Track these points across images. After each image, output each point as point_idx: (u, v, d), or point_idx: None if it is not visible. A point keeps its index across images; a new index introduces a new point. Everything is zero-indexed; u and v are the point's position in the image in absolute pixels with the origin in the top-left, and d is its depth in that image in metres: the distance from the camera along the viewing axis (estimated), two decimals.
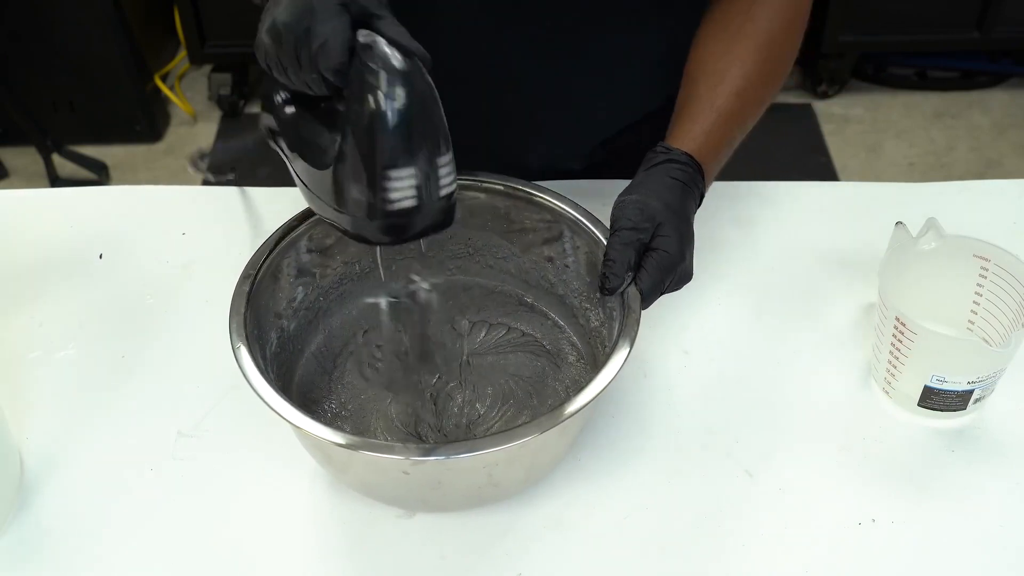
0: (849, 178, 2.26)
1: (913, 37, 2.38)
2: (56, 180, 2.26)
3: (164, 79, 2.51)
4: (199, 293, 0.86)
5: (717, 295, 0.85)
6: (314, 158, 0.62)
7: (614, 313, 0.69)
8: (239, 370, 0.64)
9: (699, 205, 0.75)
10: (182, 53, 2.52)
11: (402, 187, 0.58)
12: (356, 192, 0.59)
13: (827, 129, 2.41)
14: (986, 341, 0.76)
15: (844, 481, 0.71)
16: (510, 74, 0.86)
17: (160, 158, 2.38)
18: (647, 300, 0.68)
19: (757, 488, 0.71)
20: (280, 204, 0.93)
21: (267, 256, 0.72)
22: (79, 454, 0.74)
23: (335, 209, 0.61)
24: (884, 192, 0.96)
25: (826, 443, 0.74)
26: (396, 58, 0.57)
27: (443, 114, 0.59)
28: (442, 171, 0.59)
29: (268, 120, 0.66)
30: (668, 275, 0.69)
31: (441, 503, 0.69)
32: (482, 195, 0.77)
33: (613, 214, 0.71)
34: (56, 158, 2.26)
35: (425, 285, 0.70)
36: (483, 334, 0.81)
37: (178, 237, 0.92)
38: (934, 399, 0.73)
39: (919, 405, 0.74)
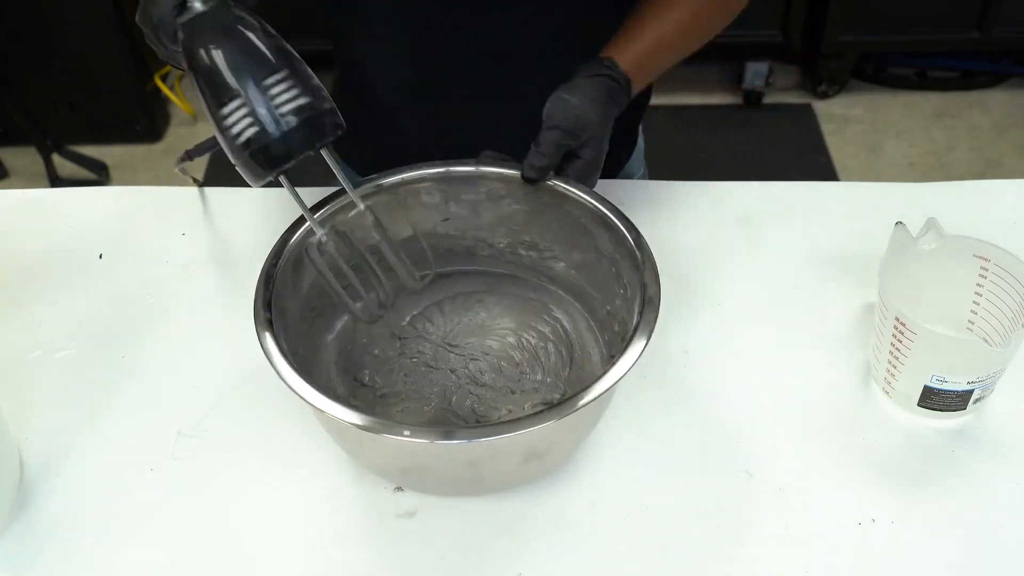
0: (849, 178, 2.26)
1: (913, 37, 2.38)
2: (56, 180, 2.26)
3: (164, 79, 2.51)
4: (199, 293, 0.86)
5: (717, 295, 0.85)
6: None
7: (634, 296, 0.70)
8: (265, 357, 0.64)
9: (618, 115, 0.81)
10: None
11: (237, 119, 0.61)
12: (220, 139, 0.62)
13: (827, 129, 2.41)
14: (986, 341, 0.76)
15: (844, 481, 0.71)
16: (464, 70, 0.87)
17: (160, 158, 2.38)
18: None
19: (757, 488, 0.71)
20: (280, 204, 0.93)
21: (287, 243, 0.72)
22: (79, 454, 0.74)
23: (232, 163, 0.64)
24: (884, 192, 0.96)
25: (826, 443, 0.74)
26: (193, 10, 0.61)
27: (259, 40, 0.62)
28: (274, 91, 0.61)
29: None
30: (585, 181, 0.77)
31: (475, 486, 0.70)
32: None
33: (549, 108, 0.75)
34: (56, 158, 2.26)
35: (361, 205, 0.69)
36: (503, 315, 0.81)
37: (178, 237, 0.92)
38: (934, 399, 0.73)
39: (919, 405, 0.74)
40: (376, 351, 0.79)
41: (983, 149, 2.37)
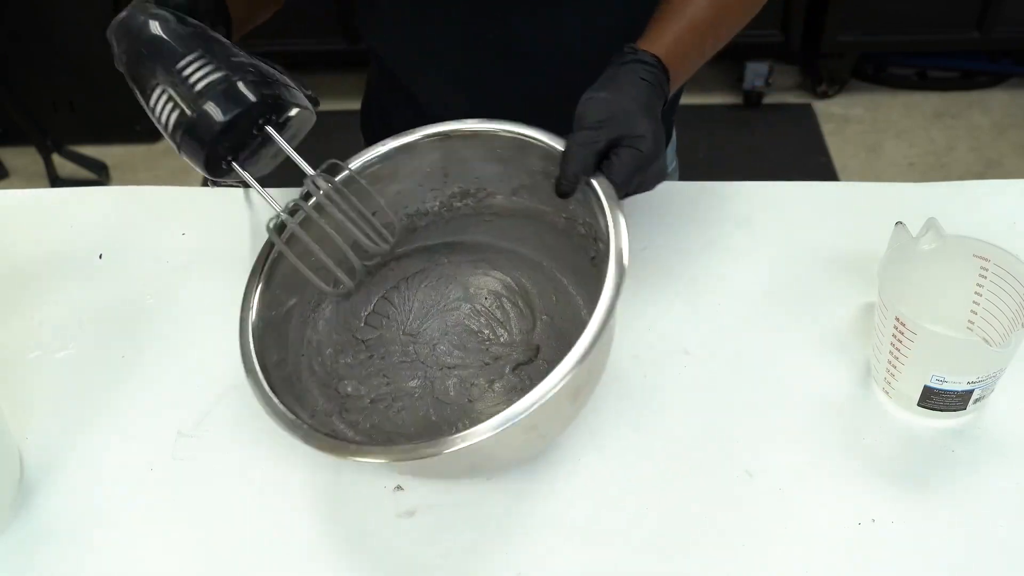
0: (849, 178, 2.26)
1: (913, 37, 2.38)
2: (56, 180, 2.26)
3: None
4: (199, 293, 0.86)
5: (717, 295, 0.85)
6: None
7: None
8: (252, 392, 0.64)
9: (663, 109, 0.74)
10: None
11: (160, 107, 0.64)
12: (162, 133, 0.66)
13: (827, 129, 2.41)
14: (986, 341, 0.76)
15: (844, 481, 0.71)
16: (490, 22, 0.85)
17: (160, 158, 2.38)
18: (618, 193, 0.67)
19: (757, 488, 0.71)
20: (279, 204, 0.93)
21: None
22: (79, 454, 0.74)
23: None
24: (884, 192, 0.96)
25: (826, 443, 0.74)
26: (117, 18, 0.66)
27: (166, 31, 0.65)
28: (186, 72, 0.64)
29: None
30: (640, 173, 0.68)
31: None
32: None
33: (579, 111, 0.69)
34: (56, 158, 2.26)
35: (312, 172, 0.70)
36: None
37: (178, 237, 0.92)
38: (934, 399, 0.73)
39: (919, 405, 0.74)
40: (348, 359, 0.77)
41: (983, 149, 2.37)
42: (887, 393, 0.76)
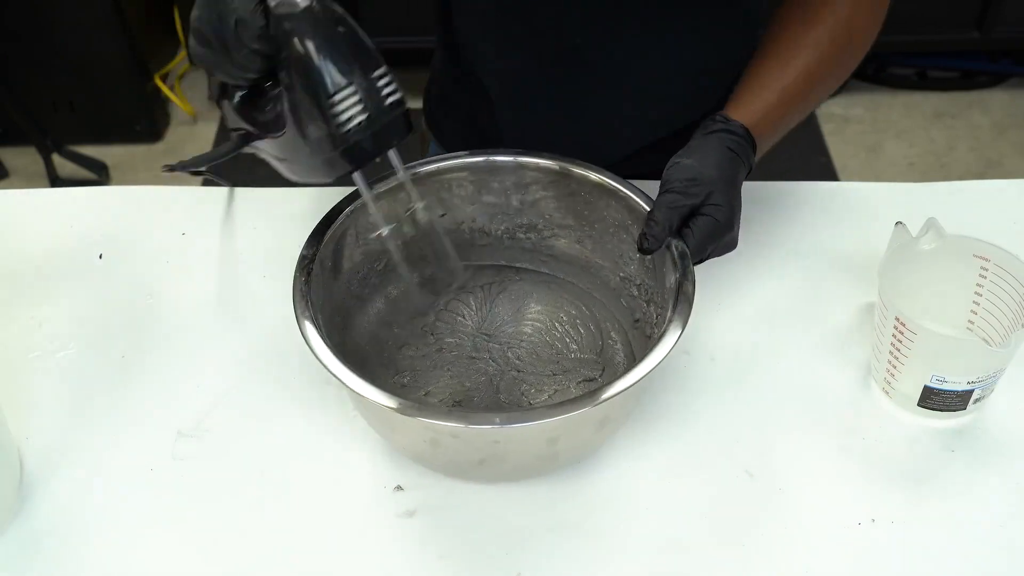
0: (849, 178, 2.26)
1: (913, 37, 2.38)
2: (56, 180, 2.26)
3: (164, 79, 2.51)
4: (199, 293, 0.86)
5: (717, 295, 0.85)
6: (276, 129, 0.66)
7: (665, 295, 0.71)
8: (303, 342, 0.65)
9: (745, 178, 0.76)
10: (182, 53, 2.52)
11: (348, 106, 0.62)
12: (315, 131, 0.63)
13: (827, 129, 2.41)
14: (986, 341, 0.76)
15: (844, 481, 0.71)
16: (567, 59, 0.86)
17: (160, 158, 2.37)
18: (692, 259, 0.71)
19: (757, 488, 0.71)
20: (280, 204, 0.93)
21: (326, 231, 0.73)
22: (79, 454, 0.74)
23: (308, 161, 0.65)
24: (884, 192, 0.96)
25: (826, 443, 0.74)
26: (299, 3, 0.61)
27: (364, 35, 0.63)
28: (380, 83, 0.63)
29: (235, 124, 0.70)
30: (714, 241, 0.71)
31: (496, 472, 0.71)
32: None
33: (665, 175, 0.72)
34: (56, 158, 2.26)
35: (420, 205, 0.72)
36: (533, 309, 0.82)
37: (178, 237, 0.92)
38: (934, 399, 0.73)
39: (919, 405, 0.74)
40: (411, 352, 0.79)
41: (983, 149, 2.37)
42: (887, 393, 0.76)
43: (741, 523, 0.69)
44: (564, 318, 0.80)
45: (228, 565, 0.67)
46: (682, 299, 0.66)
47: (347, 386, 0.62)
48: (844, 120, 2.44)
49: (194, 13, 0.63)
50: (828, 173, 2.28)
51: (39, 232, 0.93)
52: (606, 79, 0.87)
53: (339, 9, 0.63)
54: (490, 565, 0.67)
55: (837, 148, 2.36)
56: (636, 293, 0.77)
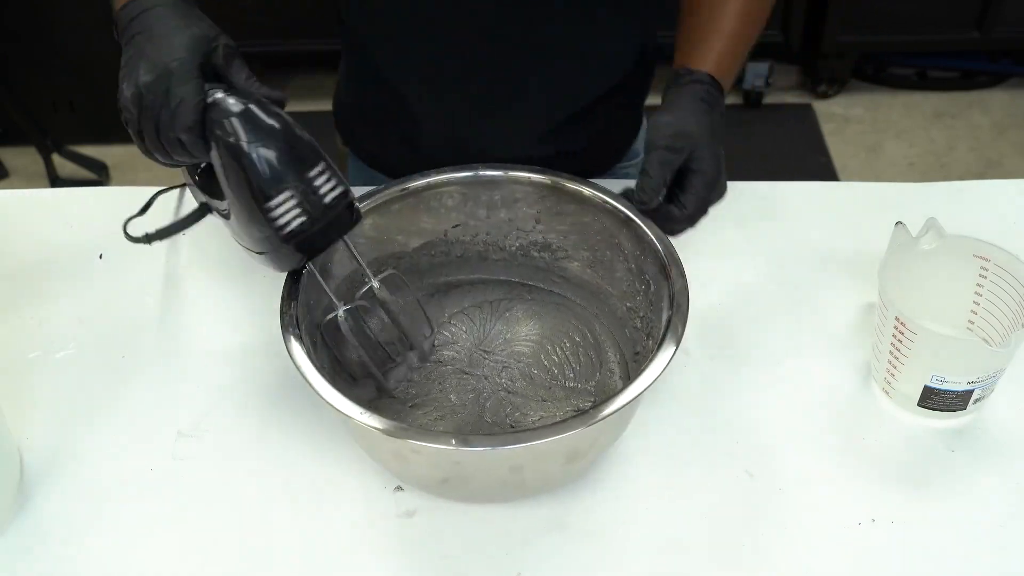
0: (849, 178, 2.26)
1: (913, 37, 2.38)
2: (56, 180, 2.26)
3: None
4: (199, 293, 0.86)
5: (717, 295, 0.85)
6: (223, 214, 0.67)
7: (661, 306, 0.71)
8: (291, 362, 0.65)
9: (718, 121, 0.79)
10: None
11: (285, 211, 0.62)
12: (255, 231, 0.63)
13: (827, 129, 2.41)
14: (986, 341, 0.76)
15: (844, 481, 0.71)
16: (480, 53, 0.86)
17: None
18: (693, 219, 0.75)
19: (757, 488, 0.71)
20: None
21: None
22: (79, 454, 0.74)
23: (255, 251, 0.66)
24: (884, 192, 0.96)
25: (826, 443, 0.74)
26: (235, 105, 0.61)
27: (301, 130, 0.63)
28: (319, 182, 0.63)
29: (196, 195, 0.71)
30: (709, 192, 0.75)
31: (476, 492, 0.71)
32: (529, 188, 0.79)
33: (649, 134, 0.74)
34: (56, 158, 2.26)
35: (375, 284, 0.72)
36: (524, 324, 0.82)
37: (178, 237, 0.92)
38: (934, 399, 0.73)
39: (919, 405, 0.74)
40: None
41: (983, 149, 2.37)
42: (887, 393, 0.76)
43: (741, 523, 0.69)
44: (567, 343, 0.79)
45: (228, 565, 0.67)
46: (669, 337, 0.65)
47: (315, 389, 0.62)
48: (844, 120, 2.44)
49: (142, 78, 0.63)
50: (828, 173, 2.28)
51: (39, 232, 0.93)
52: (524, 59, 0.86)
53: (276, 112, 0.62)
54: (490, 565, 0.67)
55: (837, 148, 2.36)
56: (639, 325, 0.76)
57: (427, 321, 0.76)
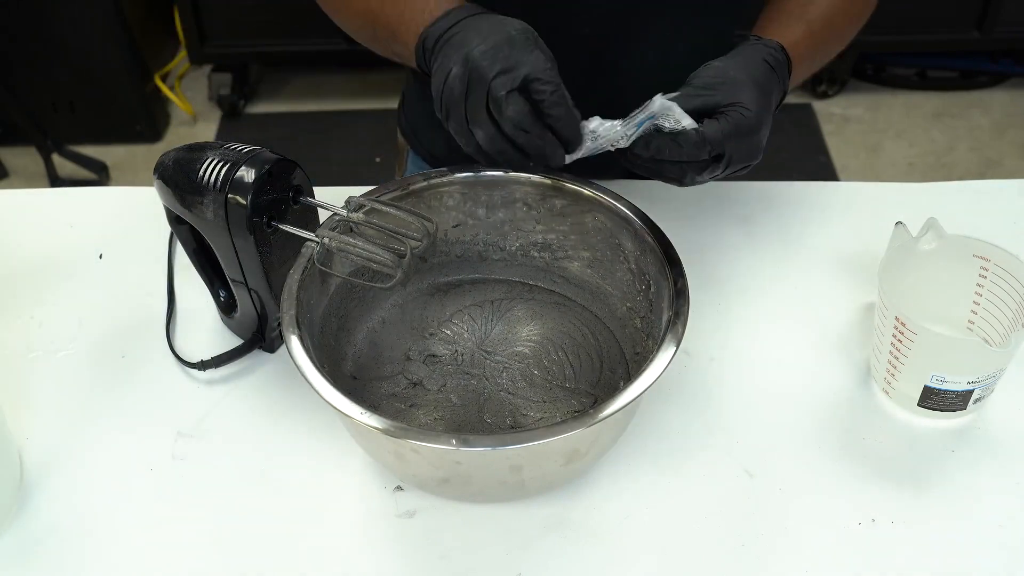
0: (849, 178, 2.26)
1: (913, 37, 2.38)
2: (56, 180, 2.26)
3: (164, 79, 2.51)
4: (198, 293, 0.86)
5: (717, 295, 0.85)
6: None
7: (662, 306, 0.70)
8: (289, 357, 0.65)
9: (779, 104, 0.74)
10: (182, 53, 2.52)
11: None
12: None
13: (827, 129, 2.41)
14: (986, 341, 0.76)
15: (844, 481, 0.71)
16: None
17: None
18: (701, 149, 0.68)
19: (757, 488, 0.71)
20: None
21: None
22: (79, 454, 0.74)
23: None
24: (884, 192, 0.96)
25: (826, 443, 0.74)
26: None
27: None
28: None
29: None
30: (736, 138, 0.68)
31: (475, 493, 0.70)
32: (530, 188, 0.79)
33: (692, 75, 0.71)
34: (56, 158, 2.26)
35: (343, 212, 0.71)
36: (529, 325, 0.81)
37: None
38: (934, 399, 0.73)
39: (919, 405, 0.74)
40: (406, 360, 0.78)
41: (983, 149, 2.37)
42: (887, 393, 0.76)
43: (741, 523, 0.69)
44: (567, 344, 0.79)
45: (228, 565, 0.67)
46: (669, 337, 0.65)
47: (315, 389, 0.62)
48: (844, 120, 2.44)
49: (476, 48, 0.65)
50: (828, 173, 2.28)
51: (39, 232, 0.93)
52: (609, 69, 0.86)
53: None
54: (490, 565, 0.67)
55: (837, 148, 2.36)
56: (639, 325, 0.76)
57: (420, 219, 0.71)
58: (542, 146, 0.68)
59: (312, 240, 0.70)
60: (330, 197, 0.74)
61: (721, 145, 0.69)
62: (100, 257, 0.90)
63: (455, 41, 0.68)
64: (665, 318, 0.68)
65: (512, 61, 0.65)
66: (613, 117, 0.71)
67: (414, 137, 1.04)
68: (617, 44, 0.85)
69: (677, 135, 0.69)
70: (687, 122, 0.69)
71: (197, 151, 0.71)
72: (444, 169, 0.78)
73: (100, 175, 2.30)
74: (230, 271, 0.75)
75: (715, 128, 0.68)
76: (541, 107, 0.66)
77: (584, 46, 0.84)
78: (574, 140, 0.69)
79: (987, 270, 0.74)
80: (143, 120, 2.39)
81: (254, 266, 0.72)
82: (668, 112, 0.69)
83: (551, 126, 0.67)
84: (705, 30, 0.86)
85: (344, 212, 0.71)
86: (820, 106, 2.47)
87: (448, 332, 0.80)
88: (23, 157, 2.34)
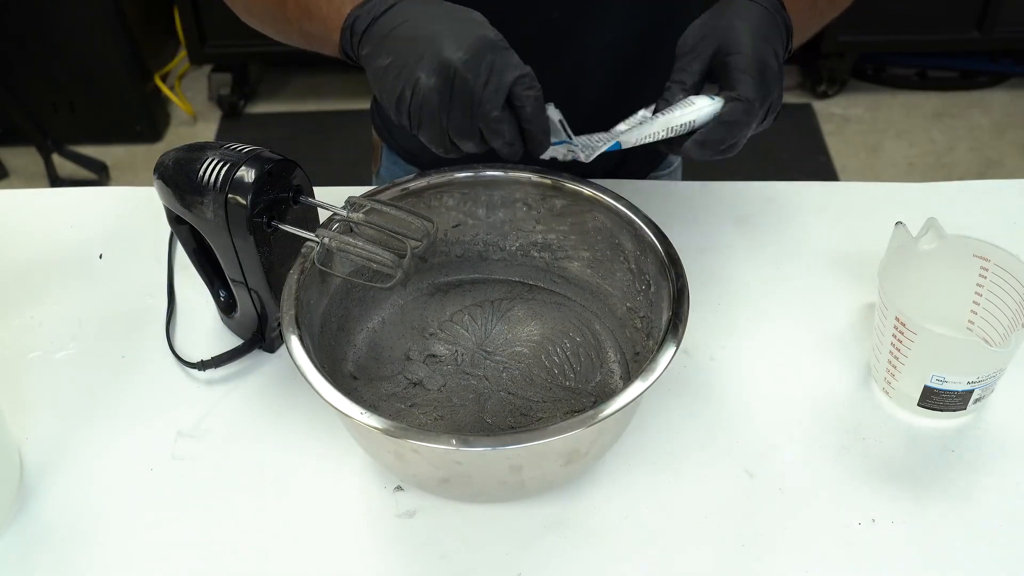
0: (849, 178, 2.26)
1: (913, 37, 2.38)
2: (56, 180, 2.26)
3: (164, 79, 2.51)
4: (198, 293, 0.86)
5: (716, 295, 0.85)
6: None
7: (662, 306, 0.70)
8: (289, 356, 0.64)
9: (787, 48, 0.68)
10: (182, 53, 2.52)
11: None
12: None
13: (827, 129, 2.41)
14: (986, 341, 0.76)
15: (844, 481, 0.71)
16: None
17: None
18: (754, 107, 0.63)
19: (757, 488, 0.71)
20: None
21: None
22: (79, 454, 0.74)
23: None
24: (884, 192, 0.96)
25: (826, 443, 0.74)
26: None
27: None
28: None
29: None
30: (761, 73, 0.63)
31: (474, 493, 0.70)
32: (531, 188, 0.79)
33: (679, 41, 0.67)
34: (56, 158, 2.26)
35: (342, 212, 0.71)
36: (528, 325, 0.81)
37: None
38: (934, 399, 0.73)
39: (919, 405, 0.74)
40: (406, 360, 0.78)
41: (983, 149, 2.37)
42: (887, 393, 0.76)
43: (741, 523, 0.69)
44: (567, 344, 0.79)
45: (228, 565, 0.67)
46: (669, 337, 0.65)
47: (315, 389, 0.62)
48: (844, 120, 2.44)
49: (453, 55, 0.60)
50: (828, 173, 2.28)
51: (39, 232, 0.93)
52: (576, 49, 0.85)
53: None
54: (490, 565, 0.67)
55: (837, 148, 2.36)
56: (639, 325, 0.76)
57: (420, 219, 0.70)
58: (519, 151, 0.66)
59: (312, 240, 0.70)
60: (330, 197, 0.74)
61: (765, 91, 0.64)
62: (100, 257, 0.90)
63: (402, 33, 0.62)
64: (665, 318, 0.68)
65: (497, 73, 0.61)
66: (574, 98, 0.69)
67: (387, 133, 1.04)
68: (580, 24, 0.84)
69: (720, 117, 0.64)
70: (707, 105, 0.65)
71: (197, 151, 0.71)
72: (444, 169, 0.78)
73: (100, 175, 2.30)
74: (230, 271, 0.75)
75: (746, 83, 0.63)
76: (520, 112, 0.63)
77: (550, 28, 0.83)
78: (544, 143, 0.66)
79: (987, 270, 0.74)
80: (143, 120, 2.39)
81: (254, 266, 0.72)
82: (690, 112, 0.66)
83: (524, 128, 0.65)
84: (666, 2, 0.85)
85: (344, 212, 0.71)
86: (820, 106, 2.47)
87: (448, 332, 0.80)
88: (23, 157, 2.34)
